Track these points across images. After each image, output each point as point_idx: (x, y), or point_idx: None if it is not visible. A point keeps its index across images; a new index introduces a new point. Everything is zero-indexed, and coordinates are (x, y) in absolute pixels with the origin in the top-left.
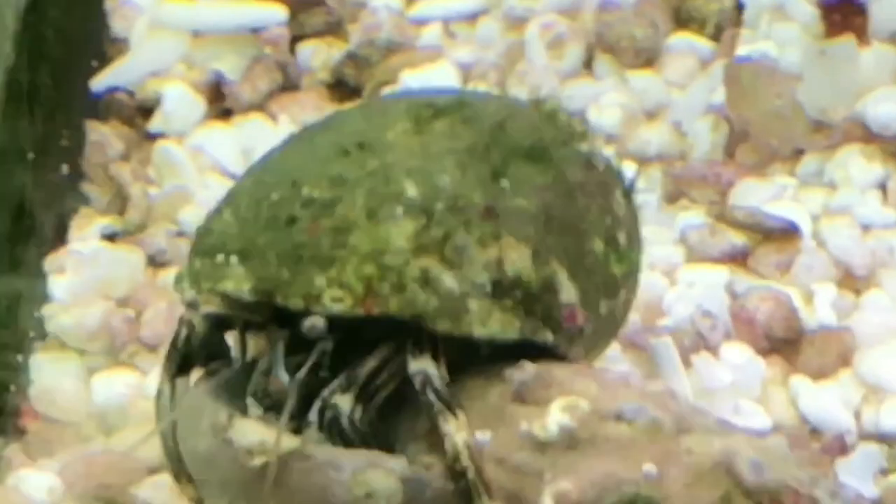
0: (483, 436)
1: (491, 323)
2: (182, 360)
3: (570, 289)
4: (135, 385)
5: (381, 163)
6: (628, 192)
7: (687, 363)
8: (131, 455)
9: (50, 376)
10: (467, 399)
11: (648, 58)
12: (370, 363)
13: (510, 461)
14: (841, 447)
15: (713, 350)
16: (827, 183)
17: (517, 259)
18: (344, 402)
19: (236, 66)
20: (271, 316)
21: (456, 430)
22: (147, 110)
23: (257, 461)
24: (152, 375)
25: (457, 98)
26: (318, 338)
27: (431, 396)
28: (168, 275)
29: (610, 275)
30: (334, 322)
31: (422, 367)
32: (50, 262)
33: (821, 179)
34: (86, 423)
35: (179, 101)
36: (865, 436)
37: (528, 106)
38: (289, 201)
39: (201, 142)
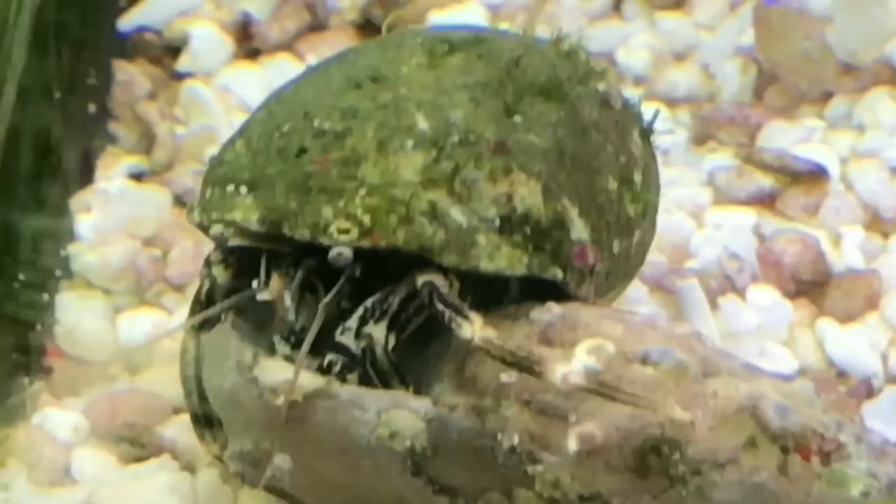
0: (508, 377)
1: (498, 258)
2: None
3: (581, 226)
4: (160, 324)
5: (393, 96)
6: (646, 133)
7: (714, 306)
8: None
9: (76, 315)
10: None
11: None
12: (400, 294)
13: (535, 403)
14: (867, 390)
15: (740, 293)
16: (855, 125)
17: (527, 195)
18: (378, 332)
19: (264, 6)
20: (292, 249)
21: (474, 332)
22: (175, 50)
23: (282, 400)
24: (178, 315)
25: (473, 34)
26: (343, 267)
27: (439, 305)
28: None
29: (624, 214)
30: (358, 255)
31: (428, 278)
32: (76, 200)
33: (849, 122)
34: (111, 363)
35: (207, 41)
36: (892, 379)
37: (547, 44)
38: (300, 132)
39: (228, 81)
